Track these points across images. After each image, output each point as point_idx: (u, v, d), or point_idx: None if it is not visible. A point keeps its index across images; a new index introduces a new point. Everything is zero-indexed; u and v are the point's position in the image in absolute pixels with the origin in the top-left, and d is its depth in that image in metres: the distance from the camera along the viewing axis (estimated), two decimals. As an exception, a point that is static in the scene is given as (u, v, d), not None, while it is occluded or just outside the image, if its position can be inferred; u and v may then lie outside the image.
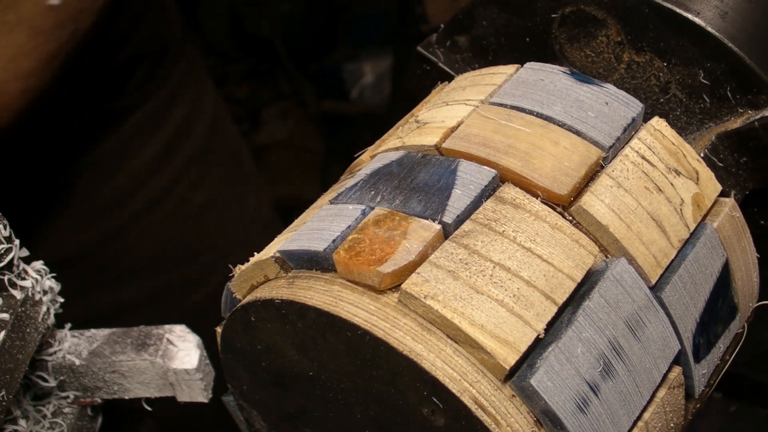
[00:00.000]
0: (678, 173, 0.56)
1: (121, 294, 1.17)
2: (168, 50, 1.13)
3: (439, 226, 0.50)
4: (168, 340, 0.67)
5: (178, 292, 1.20)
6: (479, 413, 0.46)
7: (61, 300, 0.66)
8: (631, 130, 0.56)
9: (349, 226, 0.52)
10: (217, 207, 1.23)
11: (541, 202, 0.52)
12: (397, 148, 0.58)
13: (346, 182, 0.58)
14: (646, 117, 0.58)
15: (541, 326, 0.47)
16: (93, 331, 0.69)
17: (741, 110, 0.59)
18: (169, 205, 1.17)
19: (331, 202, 0.56)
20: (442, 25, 0.71)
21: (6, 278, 0.59)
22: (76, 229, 1.11)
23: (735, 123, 0.59)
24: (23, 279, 0.61)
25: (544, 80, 0.58)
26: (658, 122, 0.57)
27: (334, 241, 0.52)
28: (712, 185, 0.57)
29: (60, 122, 1.05)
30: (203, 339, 0.67)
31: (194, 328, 1.10)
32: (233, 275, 0.57)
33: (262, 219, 1.32)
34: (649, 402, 0.51)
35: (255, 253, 0.57)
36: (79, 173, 1.08)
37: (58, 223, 1.09)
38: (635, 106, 0.57)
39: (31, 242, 1.06)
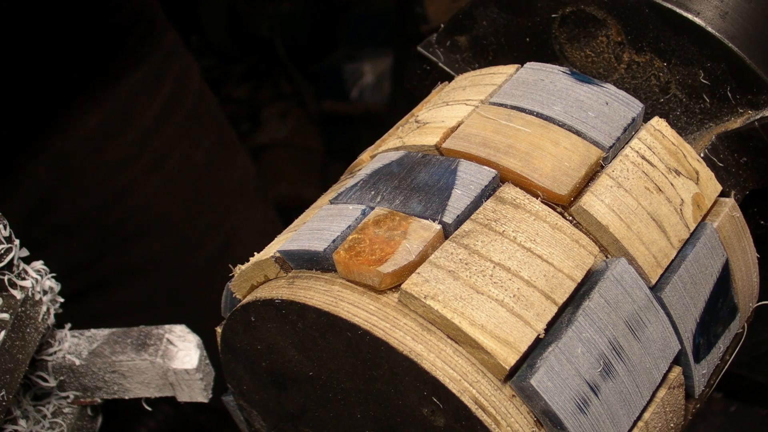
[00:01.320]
0: (678, 173, 0.56)
1: (129, 256, 1.21)
2: (157, 19, 1.19)
3: (439, 226, 0.50)
4: (168, 340, 0.67)
5: (182, 253, 1.25)
6: (479, 413, 0.46)
7: (62, 300, 0.66)
8: (631, 130, 0.56)
9: (349, 226, 0.52)
10: (214, 167, 1.29)
11: (541, 202, 0.52)
12: (397, 148, 0.58)
13: (346, 182, 0.58)
14: (646, 117, 0.58)
15: (541, 326, 0.47)
16: (93, 331, 0.69)
17: (741, 110, 0.59)
18: (173, 163, 1.21)
19: (331, 202, 0.56)
20: (442, 25, 0.71)
21: (6, 278, 0.59)
22: (87, 190, 1.15)
23: (735, 123, 0.59)
24: (23, 279, 0.61)
25: (544, 80, 0.58)
26: (658, 122, 0.57)
27: (334, 241, 0.51)
28: (712, 185, 0.57)
29: (65, 83, 1.09)
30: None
31: (197, 291, 1.13)
32: (233, 275, 0.57)
33: (251, 181, 1.39)
34: (649, 402, 0.51)
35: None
36: (88, 134, 1.12)
37: (70, 186, 1.13)
38: (635, 106, 0.57)
39: (44, 208, 1.10)
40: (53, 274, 0.64)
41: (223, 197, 1.29)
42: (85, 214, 1.15)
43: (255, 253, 0.57)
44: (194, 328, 0.68)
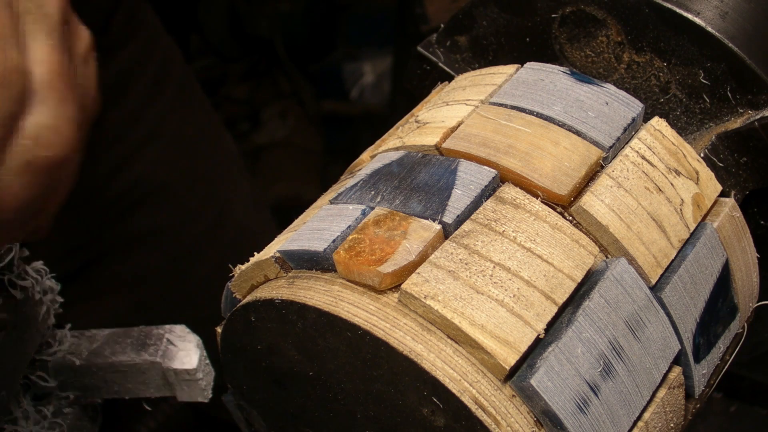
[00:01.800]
0: (678, 173, 0.56)
1: (131, 227, 1.23)
2: (137, 3, 1.23)
3: (439, 226, 0.50)
4: (168, 340, 0.67)
5: (182, 223, 1.27)
6: (479, 413, 0.46)
7: (61, 300, 0.66)
8: (631, 130, 0.56)
9: (349, 226, 0.52)
10: (204, 141, 1.34)
11: (541, 202, 0.52)
12: (397, 148, 0.58)
13: (346, 182, 0.58)
14: (646, 117, 0.58)
15: (541, 326, 0.47)
16: (93, 331, 0.69)
17: (741, 110, 0.59)
18: (168, 135, 1.25)
19: (331, 202, 0.56)
20: (442, 25, 0.70)
21: (6, 278, 0.59)
22: (87, 161, 1.17)
23: (735, 123, 0.59)
24: (23, 279, 0.61)
25: (544, 80, 0.58)
26: (658, 122, 0.57)
27: (334, 241, 0.51)
28: (712, 185, 0.57)
29: None
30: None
31: (196, 260, 1.14)
32: (233, 275, 0.57)
33: (238, 155, 1.46)
34: (649, 402, 0.51)
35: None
36: None
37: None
38: (635, 106, 0.57)
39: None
40: (52, 275, 0.64)
41: (215, 169, 1.34)
42: (84, 188, 1.17)
43: (255, 252, 0.57)
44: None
